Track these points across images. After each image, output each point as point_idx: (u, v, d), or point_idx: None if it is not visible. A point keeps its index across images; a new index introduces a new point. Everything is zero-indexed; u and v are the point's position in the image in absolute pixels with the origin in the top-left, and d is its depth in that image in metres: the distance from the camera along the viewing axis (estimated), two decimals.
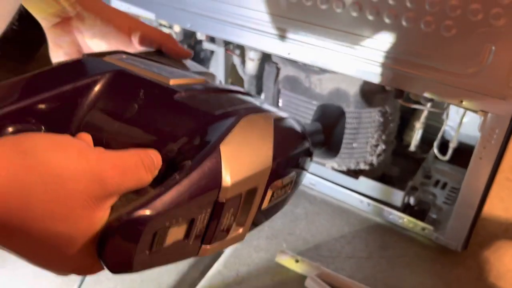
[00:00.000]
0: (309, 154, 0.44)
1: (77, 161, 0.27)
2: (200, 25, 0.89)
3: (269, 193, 0.37)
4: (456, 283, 0.81)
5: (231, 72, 1.08)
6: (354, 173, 0.95)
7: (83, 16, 0.47)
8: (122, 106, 0.35)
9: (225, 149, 0.32)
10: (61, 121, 0.34)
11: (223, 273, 0.82)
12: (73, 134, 0.34)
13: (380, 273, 0.82)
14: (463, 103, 0.70)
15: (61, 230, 0.26)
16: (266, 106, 0.40)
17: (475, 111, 0.70)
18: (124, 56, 0.41)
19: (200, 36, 0.99)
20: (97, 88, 0.36)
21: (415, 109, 0.93)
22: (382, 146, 0.92)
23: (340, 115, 0.57)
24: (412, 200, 0.90)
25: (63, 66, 0.38)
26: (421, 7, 0.66)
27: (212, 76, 0.48)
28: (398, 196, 0.89)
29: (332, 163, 0.94)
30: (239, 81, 1.12)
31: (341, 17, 0.73)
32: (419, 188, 0.93)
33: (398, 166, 1.00)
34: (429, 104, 0.80)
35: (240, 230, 0.36)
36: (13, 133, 0.31)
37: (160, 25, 1.02)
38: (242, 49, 1.00)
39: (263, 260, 0.84)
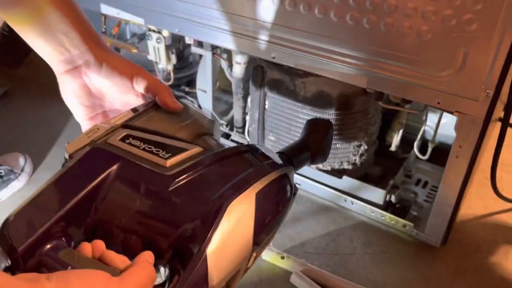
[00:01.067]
0: (291, 197, 0.48)
1: None
2: (187, 30, 0.92)
3: (253, 257, 0.42)
4: (435, 277, 0.84)
5: (220, 75, 1.11)
6: (338, 173, 0.98)
7: (90, 63, 0.52)
8: (127, 200, 0.40)
9: (210, 252, 0.37)
10: (79, 218, 0.39)
11: None
12: (90, 230, 0.40)
13: (363, 268, 0.85)
14: (440, 104, 0.73)
15: None
16: (261, 164, 0.45)
17: (451, 112, 0.73)
18: (124, 133, 0.46)
19: (188, 40, 1.02)
20: (106, 183, 0.41)
21: (396, 111, 0.96)
22: (364, 147, 0.95)
23: (327, 129, 0.61)
24: (393, 198, 0.93)
25: (78, 166, 0.42)
26: (398, 13, 0.69)
27: (212, 122, 0.52)
28: (380, 194, 0.92)
29: None
30: (227, 84, 1.14)
31: (323, 22, 0.76)
32: (401, 187, 0.96)
33: (380, 166, 1.03)
34: (407, 106, 0.83)
35: None
36: (51, 249, 0.37)
37: (150, 30, 1.04)
38: (229, 53, 1.03)
39: None
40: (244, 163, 0.45)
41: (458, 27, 0.67)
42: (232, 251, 0.39)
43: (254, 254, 0.42)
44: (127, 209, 0.40)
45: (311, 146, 0.57)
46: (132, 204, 0.40)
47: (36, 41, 0.51)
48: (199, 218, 0.38)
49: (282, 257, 0.84)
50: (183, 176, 0.41)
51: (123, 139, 0.44)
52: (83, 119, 0.56)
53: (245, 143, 1.09)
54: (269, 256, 0.85)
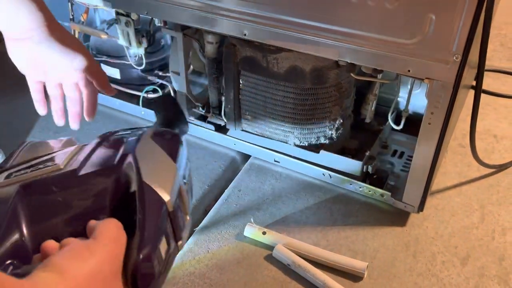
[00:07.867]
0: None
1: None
2: (156, 11, 0.90)
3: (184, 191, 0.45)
4: (414, 243, 0.86)
5: (193, 57, 1.09)
6: (315, 148, 0.98)
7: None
8: (51, 207, 0.40)
9: (145, 177, 0.40)
10: (19, 253, 0.38)
11: (194, 251, 0.84)
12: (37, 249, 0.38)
13: (344, 239, 0.86)
14: (410, 72, 0.74)
15: None
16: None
17: (421, 79, 0.75)
18: (5, 174, 0.44)
19: (158, 22, 1.00)
20: (18, 212, 0.39)
21: (370, 83, 0.97)
22: (340, 120, 0.96)
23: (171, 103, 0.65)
24: (370, 169, 0.94)
25: None
26: None
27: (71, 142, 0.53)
28: (357, 166, 0.93)
29: (294, 139, 0.98)
30: (201, 65, 1.13)
31: None
32: (377, 158, 0.97)
33: (357, 139, 1.04)
34: (379, 76, 0.84)
35: (188, 216, 0.45)
36: (15, 267, 0.35)
37: (118, 14, 1.02)
38: (200, 33, 1.02)
39: (232, 236, 0.87)
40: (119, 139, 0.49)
41: None
42: (161, 167, 0.43)
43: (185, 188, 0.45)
44: (56, 213, 0.40)
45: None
46: (57, 205, 0.40)
47: None
48: (116, 175, 0.41)
49: (264, 233, 0.84)
50: (81, 162, 0.43)
51: (8, 177, 0.43)
52: None
53: (222, 124, 1.09)
54: (251, 232, 0.85)
